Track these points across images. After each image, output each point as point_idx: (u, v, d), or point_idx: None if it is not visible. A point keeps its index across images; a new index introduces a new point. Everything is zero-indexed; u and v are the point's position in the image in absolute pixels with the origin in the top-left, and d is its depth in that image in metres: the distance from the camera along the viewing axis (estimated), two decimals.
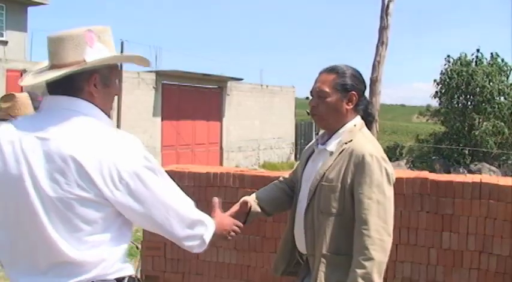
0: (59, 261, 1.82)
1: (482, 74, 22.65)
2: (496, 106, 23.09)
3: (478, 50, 23.84)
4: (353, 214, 2.49)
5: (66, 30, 1.93)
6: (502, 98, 23.23)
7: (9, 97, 3.62)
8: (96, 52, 1.92)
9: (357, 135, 2.59)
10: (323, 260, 2.53)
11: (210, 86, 22.17)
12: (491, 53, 23.75)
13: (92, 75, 1.92)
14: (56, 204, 1.78)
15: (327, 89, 2.61)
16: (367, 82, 3.12)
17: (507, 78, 23.49)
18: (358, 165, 2.48)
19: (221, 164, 22.47)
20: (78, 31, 1.92)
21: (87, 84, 1.93)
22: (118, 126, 16.04)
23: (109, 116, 2.02)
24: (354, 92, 2.61)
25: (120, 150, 1.84)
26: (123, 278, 1.95)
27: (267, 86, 26.07)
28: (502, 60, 23.55)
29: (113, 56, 1.99)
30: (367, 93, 2.87)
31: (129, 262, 2.03)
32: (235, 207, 2.79)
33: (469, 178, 4.29)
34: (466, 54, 23.97)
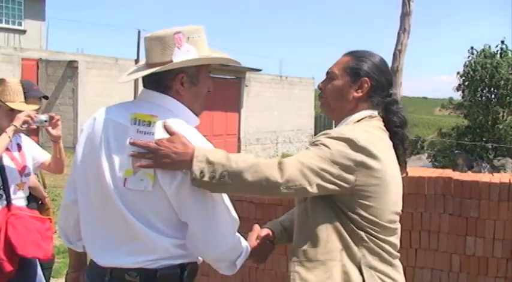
0: (130, 239, 1.99)
1: (507, 66, 22.15)
2: None
3: (502, 42, 23.34)
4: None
5: (159, 31, 2.07)
6: None
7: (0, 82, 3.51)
8: (184, 53, 2.03)
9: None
10: None
11: (229, 77, 21.96)
12: None
13: (177, 74, 2.05)
14: (123, 188, 1.96)
15: (337, 71, 2.26)
16: None
17: None
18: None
19: None
20: (169, 32, 2.04)
21: (174, 83, 2.06)
22: None
23: (197, 114, 2.15)
24: (366, 79, 2.21)
25: None
26: (187, 264, 2.07)
27: (286, 77, 25.94)
28: None
29: (197, 58, 2.05)
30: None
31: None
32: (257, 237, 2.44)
33: (496, 178, 3.98)
34: (490, 46, 23.46)
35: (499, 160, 21.65)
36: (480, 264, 3.92)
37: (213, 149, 1.99)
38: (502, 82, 23.22)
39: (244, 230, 4.55)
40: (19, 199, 3.50)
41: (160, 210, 1.96)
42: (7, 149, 3.36)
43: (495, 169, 19.65)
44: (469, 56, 25.02)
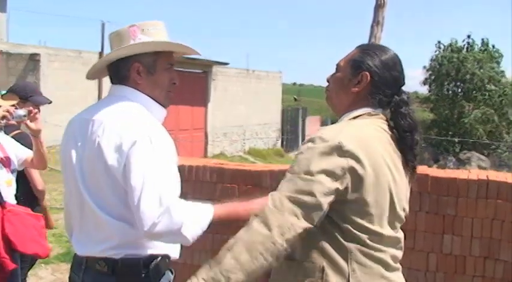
0: (97, 227, 2.04)
1: (473, 60, 22.39)
2: (487, 94, 22.85)
3: (469, 36, 23.61)
4: None
5: (118, 29, 2.16)
6: (492, 85, 22.95)
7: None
8: (137, 43, 2.09)
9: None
10: None
11: (195, 71, 21.64)
12: (482, 39, 23.50)
13: (133, 64, 2.11)
14: (89, 175, 2.03)
15: (342, 63, 2.10)
16: None
17: (498, 65, 23.26)
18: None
19: (205, 150, 22.11)
20: (124, 28, 2.13)
21: (130, 73, 2.12)
22: None
23: (163, 105, 2.19)
24: (366, 73, 2.02)
25: (128, 125, 1.97)
26: (155, 256, 2.07)
27: (253, 71, 25.77)
28: (493, 46, 23.35)
29: (142, 42, 2.09)
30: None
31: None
32: None
33: (473, 175, 3.89)
34: (456, 41, 23.72)
35: (464, 154, 21.90)
36: (457, 263, 3.83)
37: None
38: (468, 76, 23.49)
39: (214, 230, 4.40)
40: (10, 196, 3.45)
41: (117, 192, 1.97)
42: None
43: (461, 162, 19.87)
44: (436, 51, 25.25)
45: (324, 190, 1.77)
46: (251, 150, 24.24)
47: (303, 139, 29.51)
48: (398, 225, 1.99)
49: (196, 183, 4.36)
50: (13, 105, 3.44)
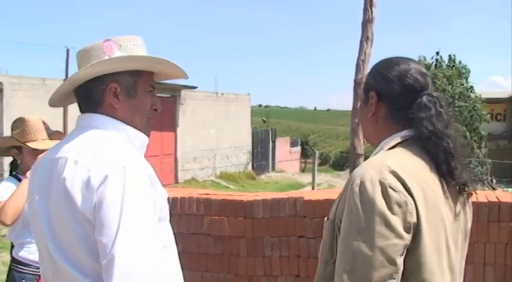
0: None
1: (443, 77, 22.46)
2: (457, 110, 22.96)
3: (437, 53, 23.64)
4: None
5: (87, 45, 1.80)
6: (462, 101, 23.05)
7: (19, 121, 3.40)
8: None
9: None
10: None
11: (163, 95, 21.29)
12: (449, 56, 23.59)
13: (109, 84, 1.74)
14: (57, 226, 1.63)
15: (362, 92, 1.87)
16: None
17: (466, 80, 23.40)
18: (347, 195, 1.60)
19: (176, 176, 21.69)
20: (96, 43, 1.78)
21: (106, 96, 1.75)
22: None
23: (145, 132, 1.84)
24: (372, 93, 1.77)
25: (98, 155, 1.60)
26: None
27: (222, 94, 25.59)
28: (460, 62, 23.50)
29: (124, 56, 1.75)
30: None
31: None
32: None
33: (482, 197, 3.60)
34: (425, 57, 23.81)
35: None
36: None
37: None
38: (439, 93, 23.56)
39: (203, 267, 4.06)
40: None
41: (90, 244, 1.56)
42: None
43: None
44: None
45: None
46: (222, 174, 23.90)
47: (273, 160, 29.31)
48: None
49: (182, 216, 4.01)
50: None
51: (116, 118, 1.76)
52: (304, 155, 35.85)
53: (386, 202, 1.50)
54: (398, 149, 1.68)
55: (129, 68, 1.77)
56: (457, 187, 1.70)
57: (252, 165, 26.82)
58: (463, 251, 1.79)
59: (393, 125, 1.75)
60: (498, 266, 3.51)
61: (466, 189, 1.72)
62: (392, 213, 1.49)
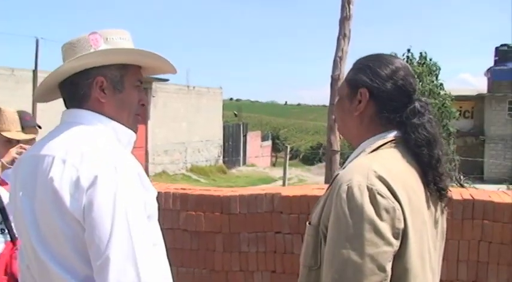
0: None
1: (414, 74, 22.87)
2: None
3: (408, 50, 23.92)
4: None
5: (72, 38, 1.75)
6: (432, 98, 23.38)
7: None
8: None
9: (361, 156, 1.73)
10: None
11: None
12: (420, 53, 23.83)
13: (95, 78, 1.70)
14: (44, 227, 1.58)
15: (340, 87, 1.82)
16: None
17: (436, 78, 23.71)
18: (333, 200, 1.58)
19: (146, 169, 21.52)
20: (82, 36, 1.74)
21: (93, 90, 1.71)
22: None
23: (132, 128, 1.79)
24: (363, 90, 1.72)
25: (87, 154, 1.56)
26: None
27: (193, 87, 25.53)
28: (430, 59, 23.78)
29: (112, 48, 1.71)
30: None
31: None
32: None
33: (457, 194, 3.66)
34: (396, 54, 24.09)
35: None
36: None
37: None
38: None
39: (178, 262, 4.03)
40: None
41: (79, 246, 1.53)
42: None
43: None
44: None
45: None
46: (193, 167, 23.83)
47: (244, 154, 29.32)
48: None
49: (158, 211, 3.98)
50: (32, 139, 3.33)
51: (102, 114, 1.72)
52: (275, 149, 35.98)
53: (374, 209, 1.50)
54: (382, 152, 1.67)
55: (115, 61, 1.73)
56: (438, 192, 1.71)
57: (223, 159, 26.81)
58: (441, 251, 1.81)
59: (378, 126, 1.73)
60: (471, 262, 3.57)
61: (446, 194, 1.74)
62: (381, 219, 1.49)
